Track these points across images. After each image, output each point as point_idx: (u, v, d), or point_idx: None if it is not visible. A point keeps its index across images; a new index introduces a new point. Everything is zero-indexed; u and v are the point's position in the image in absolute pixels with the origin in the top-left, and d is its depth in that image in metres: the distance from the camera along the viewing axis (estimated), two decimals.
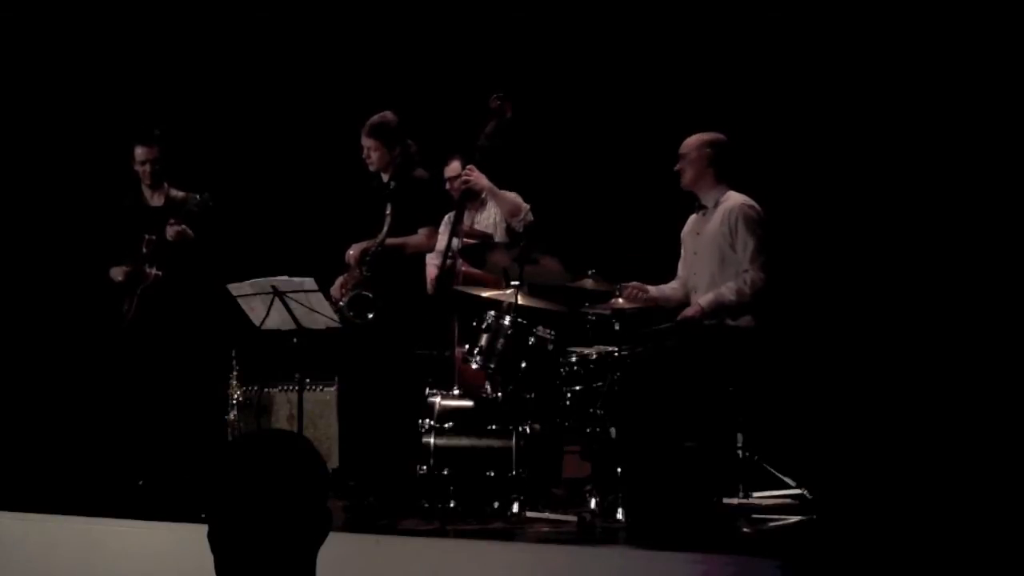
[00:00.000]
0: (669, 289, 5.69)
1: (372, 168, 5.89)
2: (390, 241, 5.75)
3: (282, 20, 7.44)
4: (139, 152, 6.44)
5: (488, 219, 6.30)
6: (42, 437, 6.57)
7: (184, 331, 6.33)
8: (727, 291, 5.32)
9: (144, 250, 6.33)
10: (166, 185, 6.55)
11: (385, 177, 5.91)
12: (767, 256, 5.34)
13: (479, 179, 6.06)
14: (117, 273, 6.37)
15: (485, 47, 6.98)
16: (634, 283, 5.52)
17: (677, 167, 5.54)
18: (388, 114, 5.86)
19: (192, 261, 6.32)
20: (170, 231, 6.26)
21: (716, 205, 5.50)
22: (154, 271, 6.30)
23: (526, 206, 6.19)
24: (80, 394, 6.40)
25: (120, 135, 6.64)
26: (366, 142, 5.83)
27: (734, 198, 5.45)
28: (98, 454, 6.09)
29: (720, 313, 5.34)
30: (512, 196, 6.19)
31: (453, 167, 6.32)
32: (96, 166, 7.02)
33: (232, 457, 1.97)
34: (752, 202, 5.43)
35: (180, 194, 6.49)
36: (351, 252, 5.81)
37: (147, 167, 6.45)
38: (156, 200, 6.54)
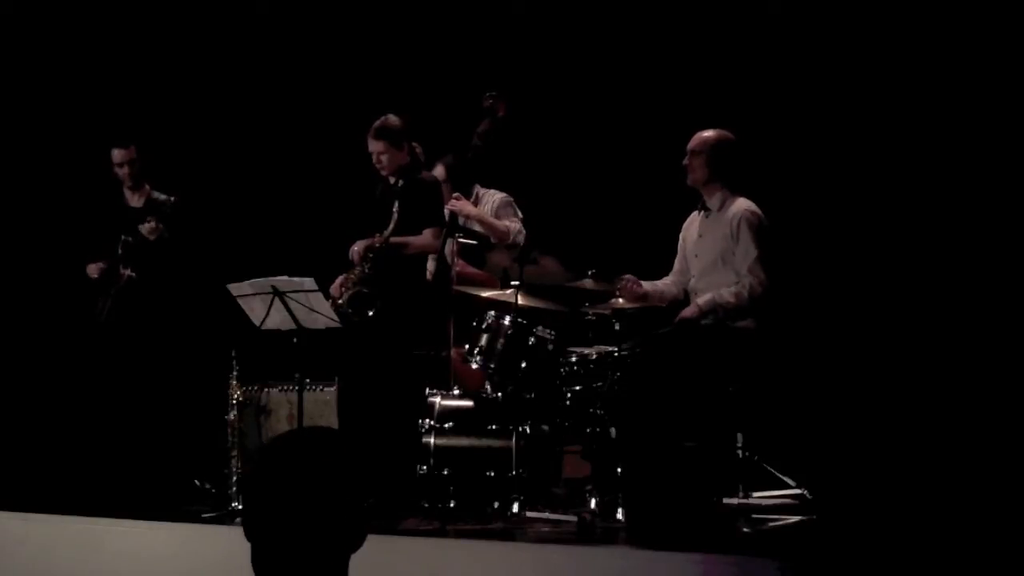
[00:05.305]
0: (663, 285, 5.67)
1: (384, 172, 5.87)
2: (395, 239, 5.76)
3: (280, 22, 7.43)
4: (115, 155, 6.47)
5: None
6: (41, 437, 6.57)
7: (160, 332, 6.36)
8: (727, 293, 5.31)
9: (120, 250, 6.36)
10: (147, 187, 6.58)
11: (392, 179, 5.91)
12: (769, 264, 5.32)
13: (464, 206, 6.06)
14: (93, 270, 6.42)
15: (478, 46, 6.97)
16: (628, 276, 5.51)
17: (685, 162, 5.50)
18: (391, 116, 5.85)
19: (165, 262, 6.35)
20: (145, 228, 6.29)
21: (721, 208, 5.46)
22: (128, 272, 6.34)
23: (515, 228, 6.15)
24: (76, 394, 6.41)
25: (106, 137, 6.64)
26: (374, 146, 5.81)
27: (739, 204, 5.41)
28: (97, 454, 6.09)
29: (717, 314, 5.34)
30: (501, 225, 6.15)
31: (438, 171, 6.29)
32: (80, 169, 7.02)
33: (277, 454, 1.97)
34: (756, 208, 5.40)
35: (161, 196, 6.52)
36: (355, 248, 5.81)
37: (125, 169, 6.48)
38: (136, 201, 6.57)
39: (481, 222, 6.14)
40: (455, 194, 6.08)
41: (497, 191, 6.33)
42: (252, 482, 1.96)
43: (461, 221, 6.14)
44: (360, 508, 1.96)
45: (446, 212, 5.99)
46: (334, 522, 1.93)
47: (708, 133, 5.48)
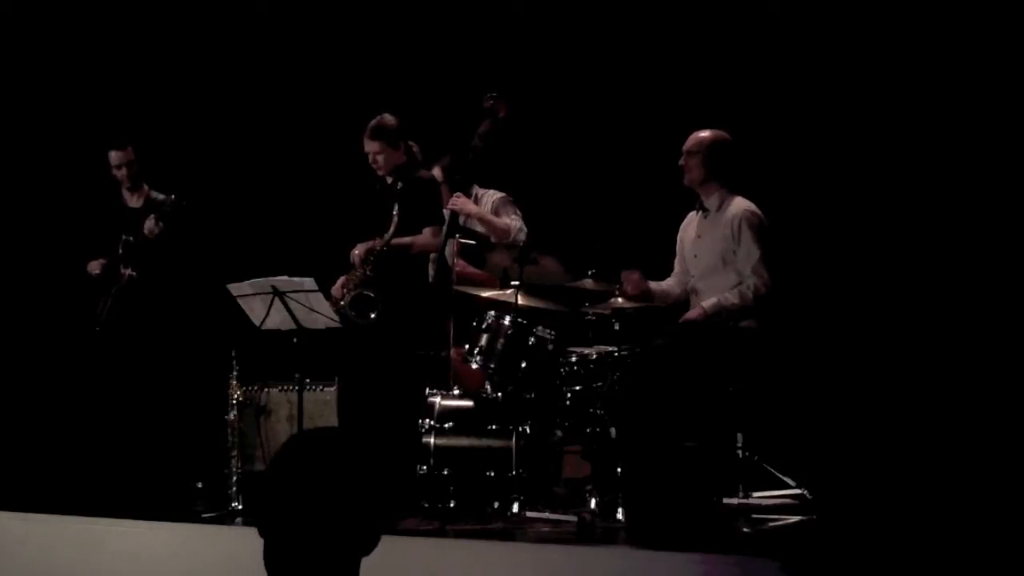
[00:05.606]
0: (667, 286, 5.69)
1: (381, 172, 5.87)
2: (396, 241, 5.75)
3: (280, 22, 7.43)
4: (112, 157, 6.48)
5: (478, 223, 6.27)
6: (42, 437, 6.57)
7: (160, 331, 6.37)
8: (732, 296, 5.31)
9: (121, 250, 6.37)
10: (146, 187, 6.59)
11: (390, 179, 5.90)
12: (771, 264, 5.33)
13: (465, 205, 6.06)
14: (94, 267, 6.44)
15: (478, 46, 6.96)
16: (636, 272, 5.51)
17: (681, 162, 5.50)
18: (386, 116, 5.85)
19: (165, 262, 6.36)
20: (147, 225, 6.30)
21: (719, 209, 5.46)
22: (128, 272, 6.34)
23: (516, 226, 6.14)
24: (77, 394, 6.42)
25: (105, 138, 6.64)
26: (370, 146, 5.81)
27: (738, 204, 5.42)
28: (98, 454, 6.10)
29: (721, 317, 5.34)
30: (501, 223, 6.14)
31: (435, 173, 6.29)
32: (79, 170, 7.02)
33: (299, 452, 1.97)
34: (755, 208, 5.40)
35: (160, 196, 6.52)
36: (356, 252, 5.80)
37: (123, 170, 6.49)
38: (135, 202, 6.58)
39: (482, 220, 6.13)
40: (456, 193, 6.07)
41: (496, 191, 6.33)
42: (272, 478, 1.95)
43: (462, 220, 6.14)
44: (376, 512, 1.96)
45: (446, 213, 5.99)
46: (350, 525, 1.93)
47: (703, 133, 5.49)
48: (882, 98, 6.18)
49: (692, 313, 5.40)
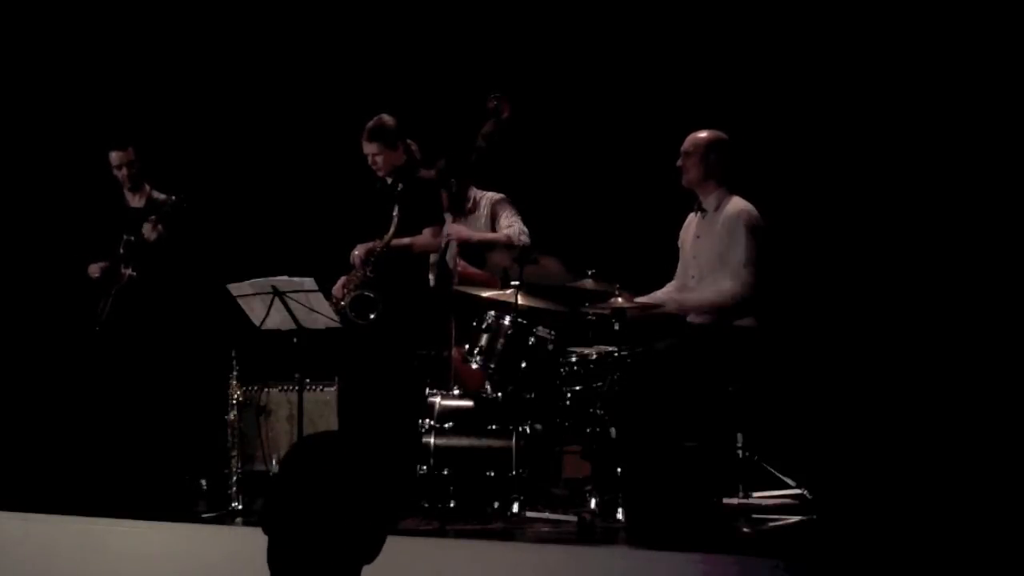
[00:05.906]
0: (663, 295, 5.66)
1: (380, 173, 5.86)
2: (396, 242, 5.75)
3: (282, 22, 7.44)
4: (113, 157, 6.48)
5: (476, 225, 6.26)
6: (42, 437, 6.58)
7: (160, 331, 6.37)
8: (709, 293, 5.33)
9: (122, 250, 6.38)
10: (147, 187, 6.59)
11: (390, 180, 5.89)
12: (762, 266, 5.31)
13: (459, 232, 6.06)
14: (94, 270, 6.44)
15: (481, 47, 6.97)
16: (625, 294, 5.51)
17: (679, 163, 5.50)
18: (384, 116, 5.83)
19: (165, 262, 6.36)
20: (147, 228, 6.30)
21: (718, 209, 5.46)
22: (128, 272, 6.35)
23: (515, 230, 6.13)
24: (77, 394, 6.42)
25: (107, 137, 6.64)
26: (368, 148, 5.80)
27: (735, 203, 5.41)
28: (97, 454, 6.10)
29: (704, 313, 5.35)
30: (502, 237, 6.13)
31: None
32: (81, 170, 7.02)
33: (313, 453, 1.97)
34: (752, 209, 5.39)
35: (161, 196, 6.53)
36: (356, 252, 5.80)
37: (124, 171, 6.49)
38: (137, 202, 6.59)
39: (482, 243, 6.11)
40: (451, 222, 6.08)
41: (494, 192, 6.32)
42: (279, 480, 1.95)
43: (469, 203, 6.15)
44: (380, 519, 1.97)
45: (445, 232, 5.98)
46: (355, 528, 1.93)
47: (701, 134, 5.48)
48: (880, 97, 6.18)
49: (645, 297, 5.42)
